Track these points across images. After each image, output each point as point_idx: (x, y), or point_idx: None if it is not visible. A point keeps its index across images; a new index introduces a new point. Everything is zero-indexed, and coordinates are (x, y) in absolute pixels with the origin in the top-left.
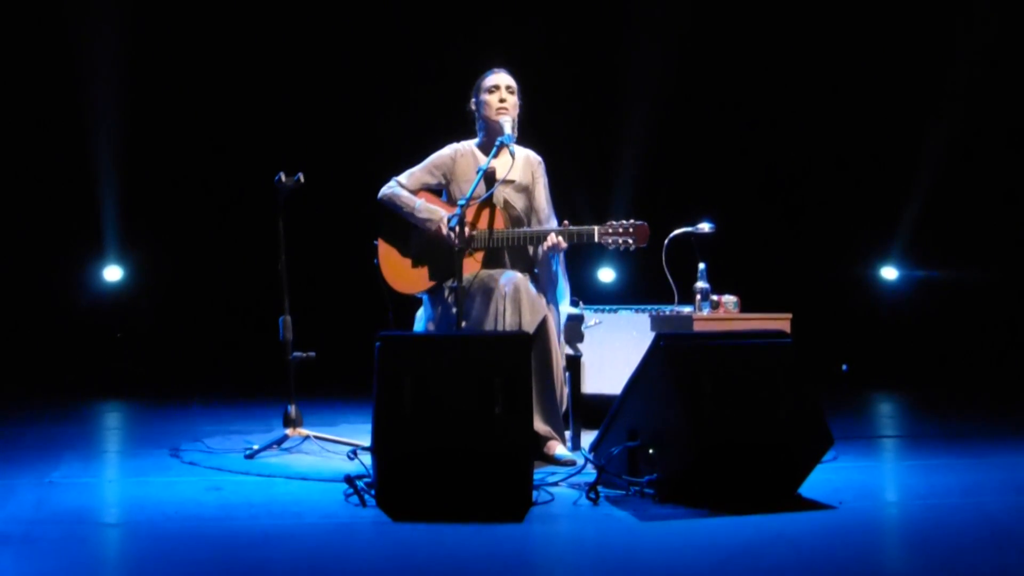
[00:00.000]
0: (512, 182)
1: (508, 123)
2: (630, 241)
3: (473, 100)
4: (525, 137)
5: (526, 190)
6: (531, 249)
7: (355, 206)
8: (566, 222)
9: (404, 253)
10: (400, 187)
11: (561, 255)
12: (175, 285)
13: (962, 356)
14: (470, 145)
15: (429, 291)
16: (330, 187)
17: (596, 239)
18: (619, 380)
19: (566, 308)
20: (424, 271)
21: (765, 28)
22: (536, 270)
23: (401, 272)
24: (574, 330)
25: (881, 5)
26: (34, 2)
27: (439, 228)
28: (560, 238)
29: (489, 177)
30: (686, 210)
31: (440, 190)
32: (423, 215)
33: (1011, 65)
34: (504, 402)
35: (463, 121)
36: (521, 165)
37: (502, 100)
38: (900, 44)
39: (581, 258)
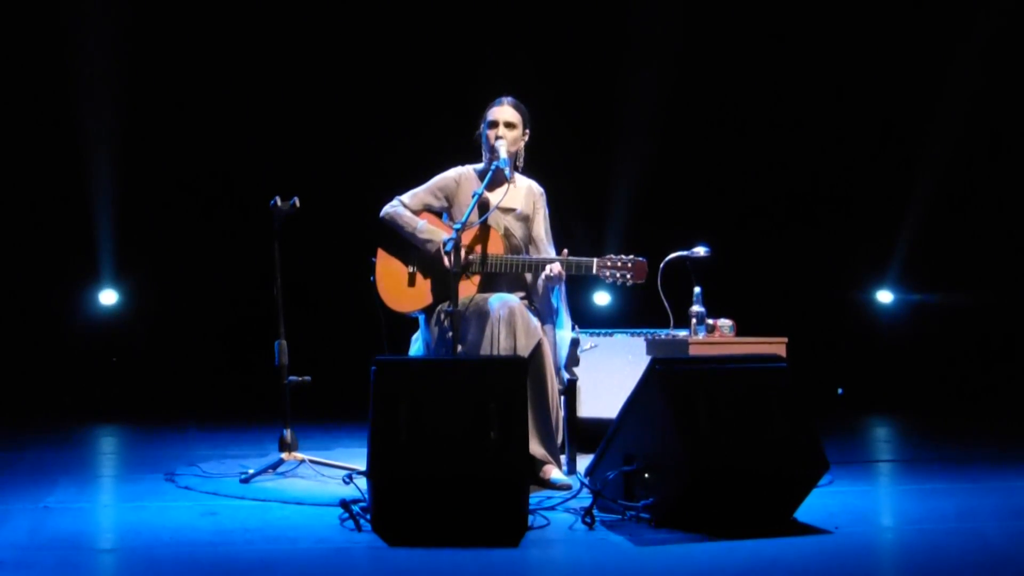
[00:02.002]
0: (513, 211)
1: (503, 149)
2: (628, 276)
3: (480, 127)
4: (526, 163)
5: (527, 219)
6: (529, 277)
7: (351, 230)
8: (565, 251)
9: (402, 271)
10: (403, 207)
11: (562, 286)
12: (171, 309)
13: (958, 380)
14: (473, 170)
15: (425, 311)
16: (326, 212)
17: (594, 271)
18: (615, 404)
19: (567, 335)
20: (420, 291)
21: (758, 54)
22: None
23: (398, 291)
24: (570, 354)
25: (873, 31)
26: (30, 23)
27: (439, 250)
28: (561, 268)
29: (483, 204)
30: (682, 234)
31: (441, 212)
32: (424, 236)
33: (1006, 91)
34: (500, 427)
35: (459, 145)
36: (523, 195)
37: (498, 137)
38: (894, 69)
39: (577, 282)
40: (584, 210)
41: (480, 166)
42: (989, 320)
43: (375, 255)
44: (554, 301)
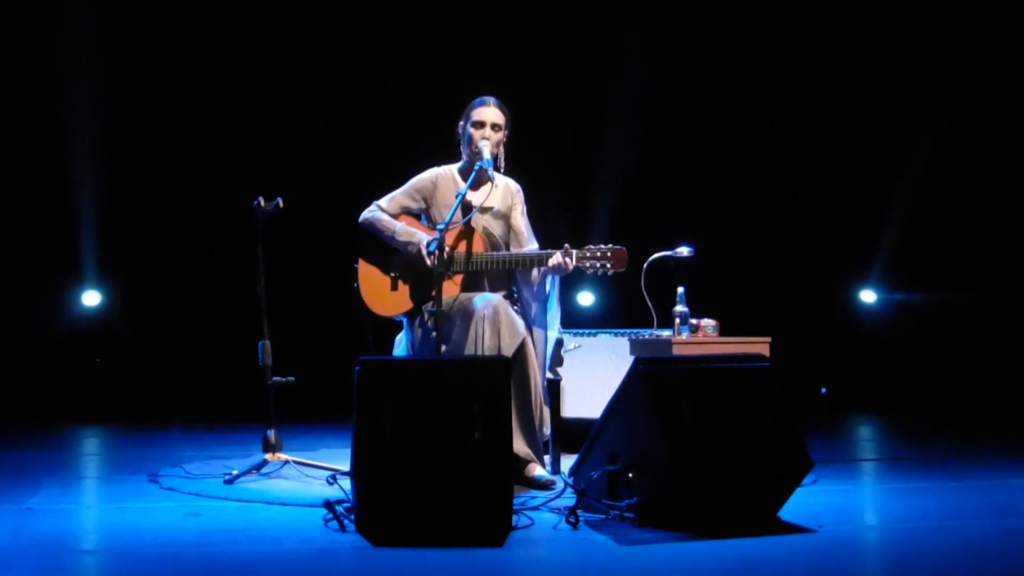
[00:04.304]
0: (491, 209)
1: (487, 151)
2: (607, 266)
3: (461, 124)
4: (508, 160)
5: (505, 217)
6: (520, 272)
7: (334, 231)
8: (566, 245)
9: (383, 277)
10: (381, 211)
11: (557, 280)
12: (154, 310)
13: (941, 379)
14: (451, 169)
15: (408, 314)
16: (309, 212)
17: (573, 263)
18: (599, 404)
19: (554, 334)
20: (403, 294)
21: (743, 53)
22: (515, 291)
23: (381, 295)
24: (554, 354)
25: (857, 32)
26: (11, 26)
27: (419, 251)
28: (562, 259)
29: (467, 204)
30: (665, 233)
31: (420, 214)
32: (403, 238)
33: (989, 91)
34: (484, 427)
35: (442, 145)
36: (500, 193)
37: (485, 138)
38: (877, 70)
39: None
40: (567, 210)
41: (458, 165)
42: (972, 319)
43: (357, 263)
44: (548, 287)
